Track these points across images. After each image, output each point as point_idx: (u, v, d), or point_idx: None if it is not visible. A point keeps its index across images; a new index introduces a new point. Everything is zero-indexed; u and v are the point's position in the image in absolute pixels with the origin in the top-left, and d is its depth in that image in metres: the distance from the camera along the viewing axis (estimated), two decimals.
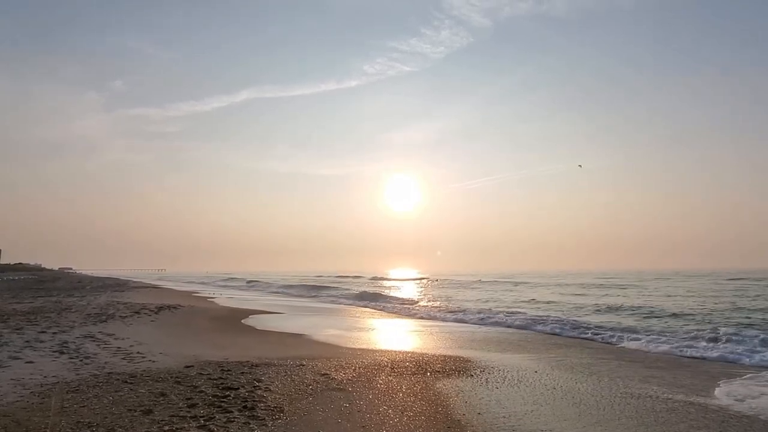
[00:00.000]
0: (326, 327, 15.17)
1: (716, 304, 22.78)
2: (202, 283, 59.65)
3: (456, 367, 8.52)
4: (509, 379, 7.69)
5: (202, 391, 6.11)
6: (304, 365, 8.16)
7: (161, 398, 5.74)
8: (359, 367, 8.20)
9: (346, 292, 37.91)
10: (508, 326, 16.50)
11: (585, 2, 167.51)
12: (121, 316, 14.65)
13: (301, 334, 13.01)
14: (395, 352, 10.35)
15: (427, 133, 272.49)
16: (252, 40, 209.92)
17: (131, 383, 6.42)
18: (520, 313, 19.76)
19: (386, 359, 9.14)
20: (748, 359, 10.09)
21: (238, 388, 6.33)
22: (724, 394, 7.07)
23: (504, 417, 5.67)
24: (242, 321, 16.08)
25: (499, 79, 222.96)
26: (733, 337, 12.22)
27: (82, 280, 54.89)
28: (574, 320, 16.83)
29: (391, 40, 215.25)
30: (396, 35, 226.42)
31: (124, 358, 8.23)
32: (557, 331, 15.01)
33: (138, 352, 8.84)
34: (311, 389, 6.61)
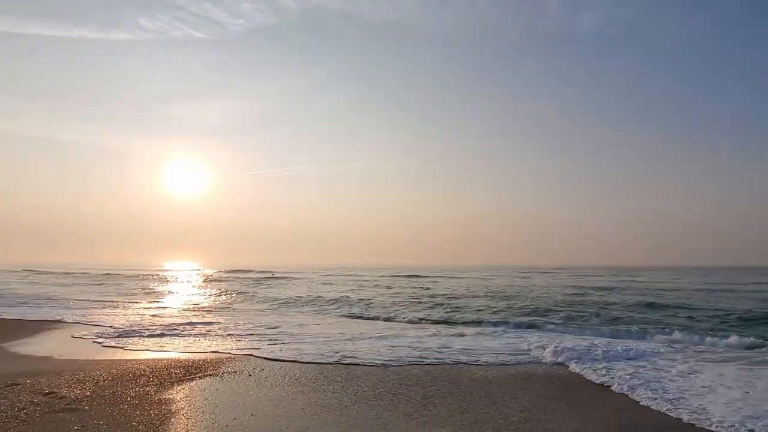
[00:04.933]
0: (62, 331, 12.09)
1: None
2: None
3: (233, 369, 7.67)
4: (290, 377, 7.27)
5: None
6: (18, 385, 6.10)
7: None
8: (104, 380, 6.58)
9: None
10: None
11: (391, 13, 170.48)
12: None
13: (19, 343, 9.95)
14: (162, 358, 8.79)
15: (218, 112, 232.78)
16: None
17: None
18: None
19: (146, 367, 7.64)
20: None
21: None
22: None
23: (277, 416, 5.20)
24: None
25: (305, 70, 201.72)
26: None
27: None
28: None
29: None
30: None
31: None
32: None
33: None
34: (25, 414, 4.91)
